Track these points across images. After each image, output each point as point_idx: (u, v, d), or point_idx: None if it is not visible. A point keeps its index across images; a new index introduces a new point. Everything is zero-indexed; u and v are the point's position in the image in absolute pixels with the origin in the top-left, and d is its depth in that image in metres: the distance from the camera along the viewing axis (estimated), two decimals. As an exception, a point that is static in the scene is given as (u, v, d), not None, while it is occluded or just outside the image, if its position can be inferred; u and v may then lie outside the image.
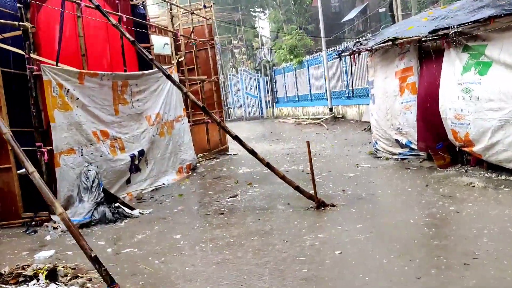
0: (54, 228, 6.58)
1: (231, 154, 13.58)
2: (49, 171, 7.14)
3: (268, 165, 6.49)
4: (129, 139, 8.93)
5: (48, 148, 7.03)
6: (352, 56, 10.22)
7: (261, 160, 6.50)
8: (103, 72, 8.39)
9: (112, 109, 8.64)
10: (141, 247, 5.52)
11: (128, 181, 8.81)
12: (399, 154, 9.61)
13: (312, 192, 6.58)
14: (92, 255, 4.00)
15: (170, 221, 6.63)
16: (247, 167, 10.78)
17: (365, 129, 16.03)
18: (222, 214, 6.71)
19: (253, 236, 5.51)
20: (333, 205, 6.39)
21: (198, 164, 11.62)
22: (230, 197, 7.76)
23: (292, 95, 27.50)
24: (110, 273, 4.59)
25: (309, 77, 24.63)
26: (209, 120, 12.98)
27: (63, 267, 4.73)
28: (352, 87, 17.04)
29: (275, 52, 29.38)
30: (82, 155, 7.54)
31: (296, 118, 24.71)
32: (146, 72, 9.84)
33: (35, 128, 6.93)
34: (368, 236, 5.07)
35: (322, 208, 6.34)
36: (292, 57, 25.81)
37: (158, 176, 9.72)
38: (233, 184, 8.91)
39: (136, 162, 9.03)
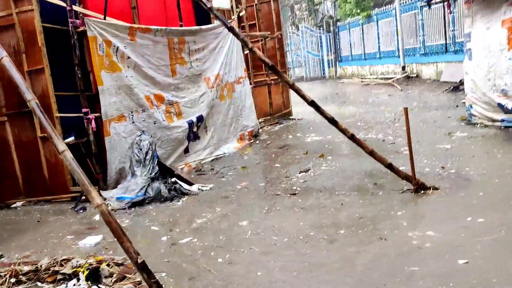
0: (104, 206, 5.78)
1: (295, 119, 12.39)
2: (99, 140, 6.34)
3: (352, 138, 5.27)
4: (186, 104, 7.97)
5: (96, 114, 6.19)
6: (446, 2, 8.50)
7: (343, 131, 5.29)
8: (156, 27, 7.38)
9: (169, 70, 7.66)
10: (201, 237, 4.57)
11: (186, 151, 7.92)
12: (502, 121, 7.99)
13: (404, 169, 5.33)
14: (139, 261, 3.06)
15: (234, 202, 5.64)
16: (316, 134, 9.58)
17: (446, 90, 14.18)
18: (295, 194, 5.62)
19: (338, 228, 4.38)
20: (435, 188, 5.10)
21: (260, 130, 10.56)
22: (301, 172, 6.64)
23: (357, 53, 25.51)
24: (164, 275, 3.72)
25: (378, 33, 22.52)
26: (272, 82, 11.79)
27: (108, 264, 3.87)
28: (453, 39, 14.92)
29: (339, 6, 27.22)
30: (133, 122, 6.66)
31: (362, 78, 22.89)
32: (203, 27, 8.73)
33: (80, 92, 6.08)
34: (500, 237, 3.78)
35: (422, 191, 5.07)
36: (359, 11, 23.67)
37: (218, 145, 8.77)
38: (302, 155, 7.77)
39: (195, 129, 8.10)
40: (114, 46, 6.46)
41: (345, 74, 26.63)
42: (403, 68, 19.69)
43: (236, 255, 4.02)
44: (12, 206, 6.53)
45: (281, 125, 11.53)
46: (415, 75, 19.06)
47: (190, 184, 6.34)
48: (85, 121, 6.07)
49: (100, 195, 5.97)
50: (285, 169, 6.98)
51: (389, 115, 11.10)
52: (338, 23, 28.07)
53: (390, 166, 5.19)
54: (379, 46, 22.61)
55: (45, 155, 6.50)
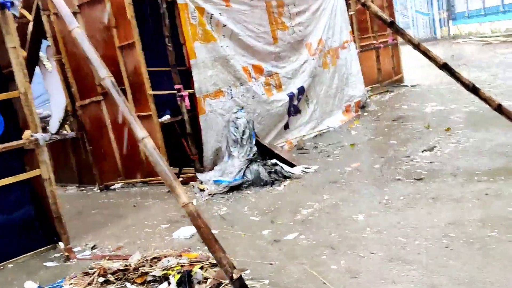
0: (201, 190, 5.32)
1: (407, 86, 11.00)
2: (195, 119, 5.84)
3: (499, 109, 4.10)
4: (287, 74, 7.19)
5: (190, 91, 5.66)
6: None
7: (487, 100, 4.13)
8: (251, -10, 6.62)
9: (270, 37, 6.92)
10: (308, 233, 3.83)
11: (286, 126, 7.20)
12: None
13: None
14: (235, 276, 2.42)
15: (345, 188, 4.79)
16: (436, 103, 8.26)
17: None
18: (421, 179, 4.61)
19: (488, 228, 3.34)
20: None
21: (368, 100, 9.43)
22: (425, 150, 5.55)
23: (475, 9, 22.56)
24: (267, 282, 3.07)
25: (502, -18, 19.57)
26: (381, 45, 10.50)
27: (201, 267, 3.31)
28: None
29: (453, -44, 24.18)
30: (232, 97, 6.05)
31: (482, 37, 20.15)
32: (303, -13, 7.78)
33: (171, 67, 5.58)
34: None
35: None
36: (478, -41, 20.72)
37: (321, 118, 7.90)
38: (423, 129, 6.61)
39: (295, 102, 7.31)
40: (208, 13, 5.84)
41: (460, 34, 23.76)
42: (536, 21, 16.83)
43: (355, 262, 3.21)
44: (112, 187, 6.37)
45: (392, 94, 10.27)
46: (551, 29, 16.21)
47: (292, 165, 5.61)
48: (178, 98, 5.58)
49: (197, 178, 5.56)
50: (404, 146, 5.93)
51: (525, 77, 9.30)
52: (452, -24, 25.04)
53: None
54: (503, -2, 19.68)
55: (141, 135, 6.19)
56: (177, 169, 5.90)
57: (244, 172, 5.24)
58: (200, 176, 5.54)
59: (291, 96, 7.10)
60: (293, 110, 7.30)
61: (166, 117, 6.05)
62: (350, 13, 9.23)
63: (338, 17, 8.52)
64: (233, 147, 5.44)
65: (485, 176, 4.36)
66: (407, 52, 12.22)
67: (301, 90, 7.42)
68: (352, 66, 8.84)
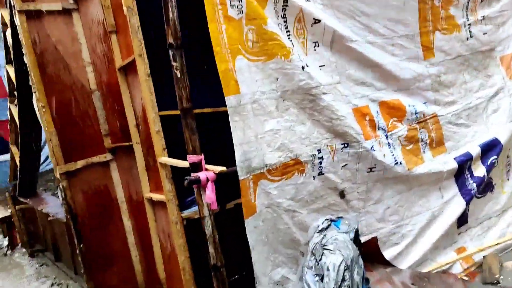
0: None
1: None
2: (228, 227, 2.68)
3: None
4: (458, 118, 3.57)
5: (221, 169, 2.47)
6: None
7: None
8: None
9: (418, 45, 3.44)
10: None
11: (463, 221, 3.56)
12: None
13: None
14: None
15: None
16: None
17: None
18: None
19: None
20: None
21: None
22: None
23: None
24: None
25: None
26: None
27: None
28: None
29: None
30: (321, 173, 2.74)
31: None
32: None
33: (182, 112, 2.48)
34: None
35: None
36: None
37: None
38: None
39: (479, 172, 3.60)
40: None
41: None
42: None
43: None
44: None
45: None
46: None
47: None
48: (194, 186, 2.45)
49: None
50: None
51: None
52: None
53: None
54: None
55: (159, 234, 3.27)
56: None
57: None
58: None
59: (462, 162, 3.42)
60: (476, 186, 3.59)
61: (196, 209, 3.01)
62: None
63: None
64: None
65: None
66: None
67: (493, 147, 3.67)
68: None
